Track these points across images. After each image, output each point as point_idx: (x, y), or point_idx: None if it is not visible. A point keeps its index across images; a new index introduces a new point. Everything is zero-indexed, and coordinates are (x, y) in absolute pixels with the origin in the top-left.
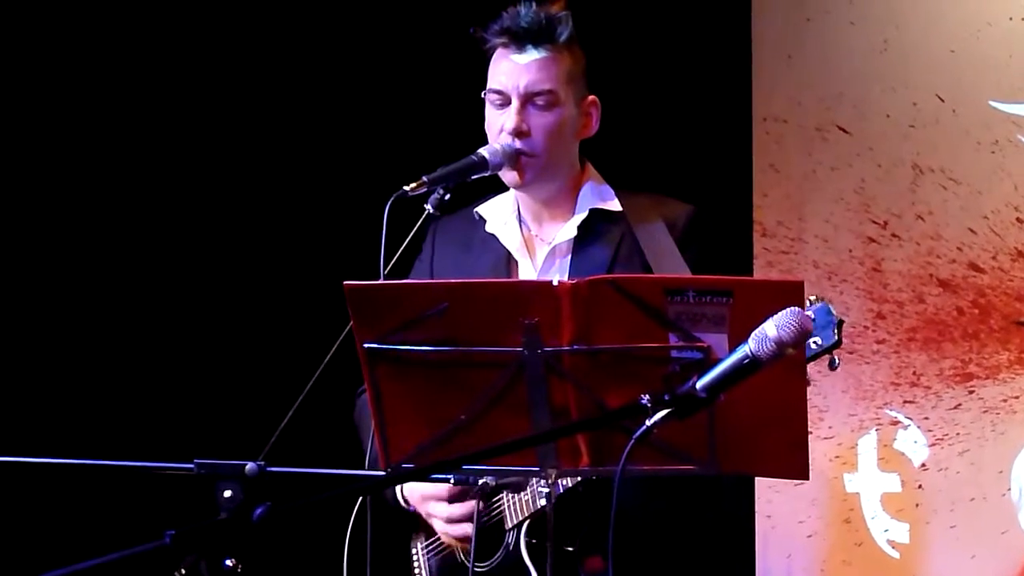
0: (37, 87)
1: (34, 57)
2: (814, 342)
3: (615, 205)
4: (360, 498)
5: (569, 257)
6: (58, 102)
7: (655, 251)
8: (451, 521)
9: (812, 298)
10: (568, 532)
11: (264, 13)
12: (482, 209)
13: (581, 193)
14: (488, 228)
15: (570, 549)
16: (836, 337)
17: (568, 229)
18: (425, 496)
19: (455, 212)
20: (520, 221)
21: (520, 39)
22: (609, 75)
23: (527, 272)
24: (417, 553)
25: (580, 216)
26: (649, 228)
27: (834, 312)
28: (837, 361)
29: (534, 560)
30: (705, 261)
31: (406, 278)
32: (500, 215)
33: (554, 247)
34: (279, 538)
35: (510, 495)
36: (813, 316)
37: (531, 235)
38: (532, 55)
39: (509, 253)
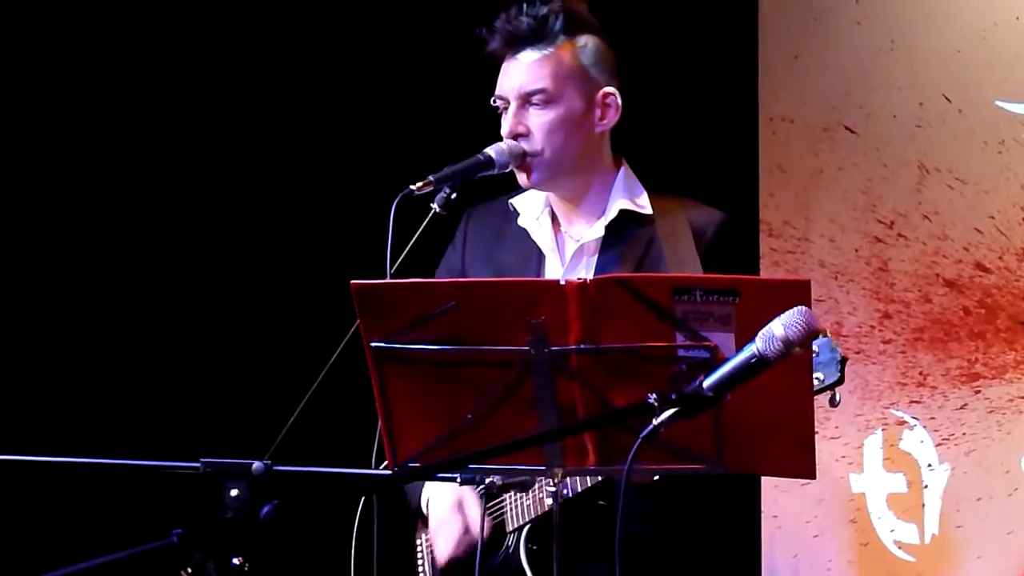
0: (37, 87)
1: (34, 57)
2: (817, 378)
3: (646, 207)
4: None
5: (596, 256)
6: (58, 102)
7: (676, 258)
8: (459, 540)
9: None
10: (568, 536)
11: (270, 13)
12: (516, 201)
13: (612, 192)
14: (520, 222)
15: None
16: (839, 374)
17: (596, 228)
18: (450, 509)
19: (490, 201)
20: (552, 217)
21: (514, 43)
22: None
23: (554, 268)
24: (421, 546)
25: (608, 216)
26: (674, 234)
27: (838, 349)
28: (839, 398)
29: (532, 565)
30: (728, 272)
31: (435, 267)
32: (533, 209)
33: (582, 245)
34: (288, 535)
35: (513, 498)
36: (817, 351)
37: (562, 232)
38: (527, 56)
39: (539, 248)
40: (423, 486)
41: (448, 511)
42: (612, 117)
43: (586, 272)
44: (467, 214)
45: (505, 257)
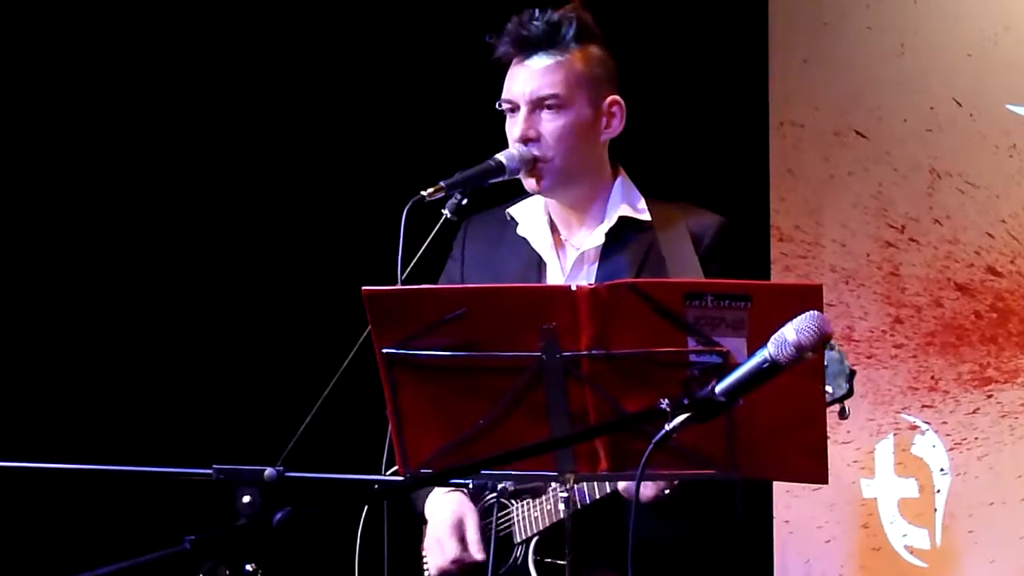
0: (41, 89)
1: (36, 59)
2: (827, 391)
3: (644, 214)
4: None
5: (597, 264)
6: (62, 105)
7: (677, 264)
8: (454, 560)
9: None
10: (577, 545)
11: (282, 19)
12: (513, 210)
13: (611, 199)
14: (519, 231)
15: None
16: (848, 387)
17: (596, 236)
18: (448, 528)
19: (486, 212)
20: (551, 224)
21: (525, 47)
22: (625, 80)
23: (555, 275)
24: (427, 557)
25: (608, 223)
26: (674, 240)
27: (847, 362)
28: (848, 411)
29: None
30: (729, 276)
31: (438, 277)
32: (531, 217)
33: (582, 253)
34: (295, 540)
35: (521, 509)
36: (826, 364)
37: (561, 239)
38: (539, 61)
39: (540, 256)
40: (427, 496)
41: (445, 531)
42: (617, 125)
43: (587, 280)
44: (464, 225)
45: (505, 266)
